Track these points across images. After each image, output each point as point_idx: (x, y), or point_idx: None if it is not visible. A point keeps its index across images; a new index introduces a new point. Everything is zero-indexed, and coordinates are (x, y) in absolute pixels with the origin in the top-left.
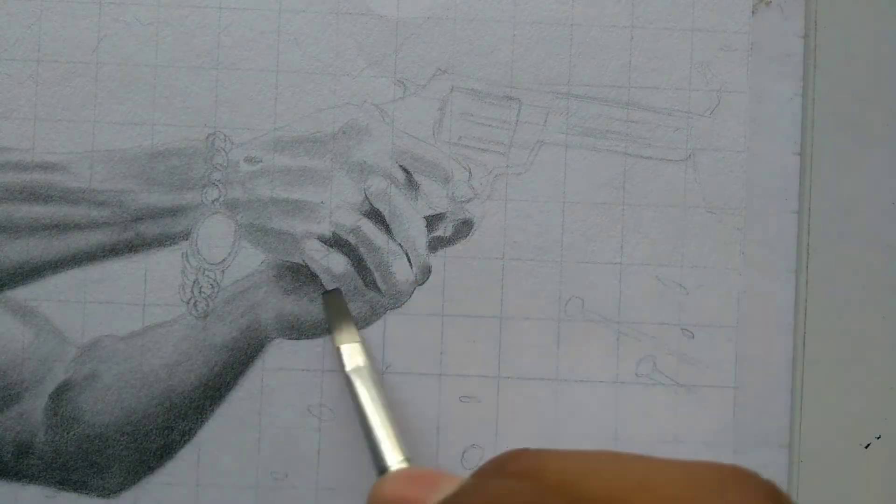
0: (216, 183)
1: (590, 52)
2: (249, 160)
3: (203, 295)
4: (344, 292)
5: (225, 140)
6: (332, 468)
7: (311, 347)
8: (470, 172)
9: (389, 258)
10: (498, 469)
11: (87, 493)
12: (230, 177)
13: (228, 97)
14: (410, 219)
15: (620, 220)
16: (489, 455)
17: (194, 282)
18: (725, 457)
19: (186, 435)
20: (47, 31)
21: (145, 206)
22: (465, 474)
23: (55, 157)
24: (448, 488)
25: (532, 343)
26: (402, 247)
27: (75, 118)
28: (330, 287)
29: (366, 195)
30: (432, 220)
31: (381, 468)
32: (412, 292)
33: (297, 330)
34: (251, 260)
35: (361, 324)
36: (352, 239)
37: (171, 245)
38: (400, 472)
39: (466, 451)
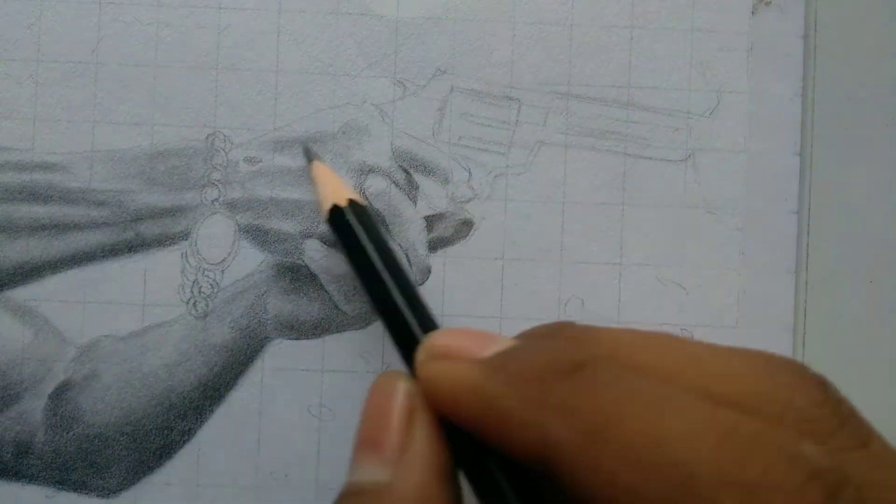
0: (216, 183)
1: (590, 52)
2: (249, 160)
3: (203, 295)
4: (345, 291)
5: (225, 140)
6: (332, 468)
7: (311, 347)
8: (470, 172)
9: None
10: (549, 334)
11: (86, 493)
12: (230, 177)
13: (228, 97)
14: (410, 219)
15: (620, 220)
16: None
17: (194, 282)
18: None
19: (186, 435)
20: (47, 31)
21: (145, 206)
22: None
23: (55, 157)
24: (503, 345)
25: None
26: (401, 247)
27: (75, 118)
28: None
29: (366, 195)
30: (432, 220)
31: (427, 327)
32: None
33: (297, 330)
34: (251, 260)
35: (361, 324)
36: None
37: (170, 245)
38: (455, 329)
39: None
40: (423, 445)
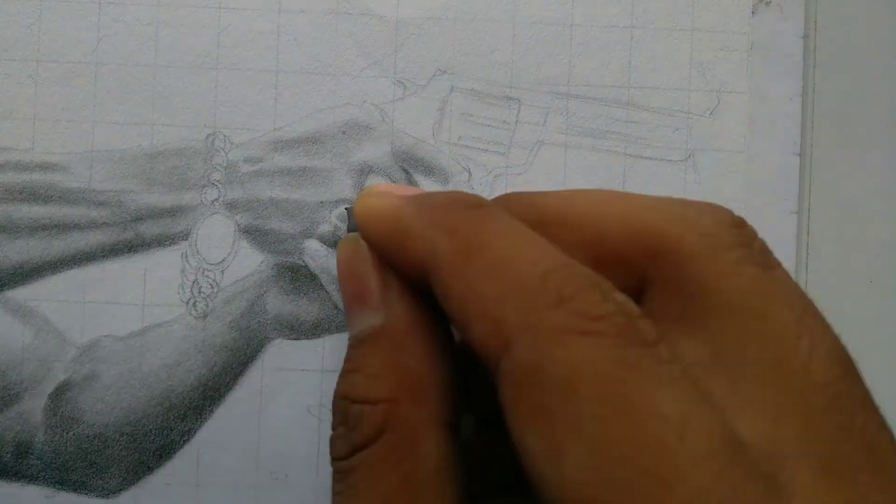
0: (216, 183)
1: (590, 52)
2: (249, 160)
3: (202, 295)
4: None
5: (224, 140)
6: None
7: (311, 347)
8: (470, 172)
9: None
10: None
11: (86, 493)
12: (230, 177)
13: (228, 97)
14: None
15: None
16: None
17: (194, 282)
18: None
19: (186, 435)
20: (47, 31)
21: (145, 206)
22: None
23: (55, 157)
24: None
25: None
26: None
27: (75, 118)
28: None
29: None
30: None
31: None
32: None
33: (297, 330)
34: (251, 260)
35: None
36: None
37: (170, 245)
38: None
39: None
40: (396, 283)
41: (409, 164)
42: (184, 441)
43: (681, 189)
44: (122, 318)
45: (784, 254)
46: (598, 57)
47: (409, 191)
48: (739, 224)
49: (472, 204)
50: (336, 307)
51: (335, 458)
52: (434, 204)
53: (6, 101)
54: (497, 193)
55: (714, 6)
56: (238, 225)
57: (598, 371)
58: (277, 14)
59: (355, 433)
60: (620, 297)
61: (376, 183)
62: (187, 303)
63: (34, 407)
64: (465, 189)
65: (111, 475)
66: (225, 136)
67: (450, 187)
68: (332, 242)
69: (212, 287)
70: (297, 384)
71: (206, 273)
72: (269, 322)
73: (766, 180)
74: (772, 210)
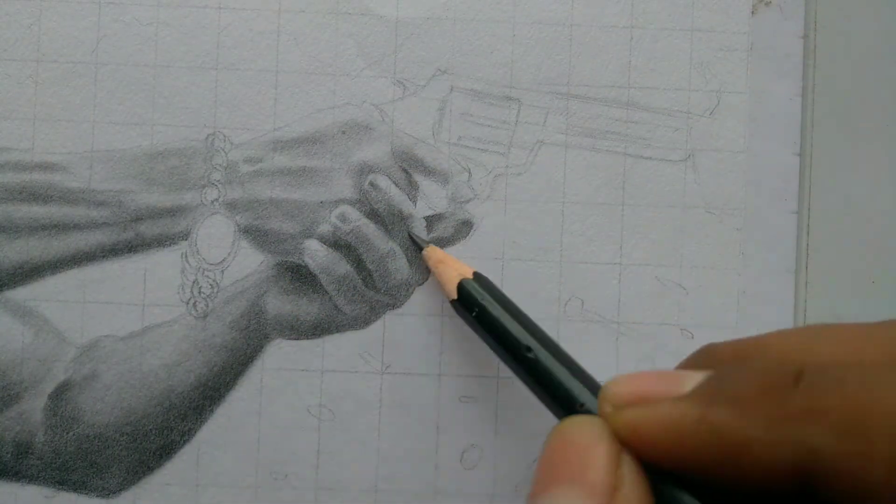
0: (216, 183)
1: (589, 52)
2: (249, 160)
3: (202, 295)
4: (345, 292)
5: (224, 140)
6: (332, 468)
7: (311, 347)
8: (469, 172)
9: (389, 258)
10: (715, 360)
11: (86, 493)
12: (230, 177)
13: (228, 97)
14: (410, 219)
15: (620, 220)
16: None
17: (194, 282)
18: None
19: (186, 435)
20: (47, 31)
21: (145, 206)
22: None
23: (55, 157)
24: (697, 377)
25: None
26: (401, 247)
27: (75, 118)
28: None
29: (365, 195)
30: (432, 220)
31: (594, 388)
32: (412, 292)
33: (297, 330)
34: (251, 260)
35: (361, 324)
36: (351, 239)
37: (170, 245)
38: (630, 374)
39: (466, 450)
40: (632, 490)
41: (408, 164)
42: (184, 441)
43: (681, 189)
44: (122, 318)
45: (784, 254)
46: (598, 57)
47: (660, 383)
48: None
49: (790, 376)
50: (336, 307)
51: None
52: (750, 396)
53: (6, 101)
54: (497, 193)
55: (714, 6)
56: (238, 225)
57: None
58: (277, 14)
59: None
60: None
61: (613, 386)
62: (187, 303)
63: (34, 407)
64: (466, 189)
65: (111, 475)
66: (225, 136)
67: (450, 187)
68: (331, 242)
69: (212, 287)
70: (297, 384)
71: (206, 273)
72: (269, 322)
73: (766, 180)
74: (772, 210)
